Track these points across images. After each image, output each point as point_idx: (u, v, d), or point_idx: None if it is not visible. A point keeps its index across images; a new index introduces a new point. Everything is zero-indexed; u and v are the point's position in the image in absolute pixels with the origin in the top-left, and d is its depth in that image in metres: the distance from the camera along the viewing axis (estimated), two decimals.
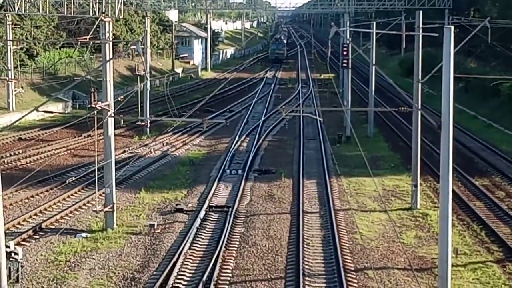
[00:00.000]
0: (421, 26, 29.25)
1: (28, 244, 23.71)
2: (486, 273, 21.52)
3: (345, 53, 45.37)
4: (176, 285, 20.23)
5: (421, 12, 29.60)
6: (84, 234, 24.91)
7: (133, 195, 30.71)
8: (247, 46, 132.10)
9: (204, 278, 20.38)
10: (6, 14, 51.03)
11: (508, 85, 50.74)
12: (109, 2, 50.99)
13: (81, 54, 67.35)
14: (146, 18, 55.12)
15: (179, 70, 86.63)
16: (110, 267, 21.74)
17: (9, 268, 19.57)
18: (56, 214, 26.93)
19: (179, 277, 20.79)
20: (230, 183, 32.93)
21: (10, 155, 37.63)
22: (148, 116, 45.78)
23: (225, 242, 23.78)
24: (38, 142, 41.56)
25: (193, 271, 21.41)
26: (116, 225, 25.74)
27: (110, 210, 25.52)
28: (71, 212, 27.64)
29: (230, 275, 21.14)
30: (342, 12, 76.30)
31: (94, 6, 50.23)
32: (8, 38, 51.77)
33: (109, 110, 25.02)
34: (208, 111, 55.74)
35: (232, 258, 22.55)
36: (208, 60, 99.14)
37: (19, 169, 35.30)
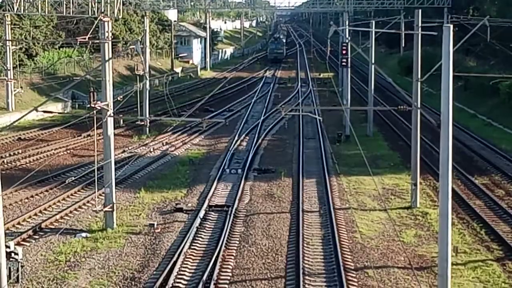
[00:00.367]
0: (420, 24, 29.26)
1: (28, 244, 23.71)
2: (486, 271, 21.53)
3: (344, 52, 45.33)
4: (176, 284, 20.23)
5: (420, 10, 29.60)
6: (84, 234, 24.92)
7: (133, 194, 30.71)
8: (246, 45, 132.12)
9: (204, 277, 20.38)
10: (5, 14, 51.01)
11: (507, 84, 50.74)
12: (108, 2, 51.01)
13: (80, 54, 67.34)
14: (145, 17, 55.09)
15: (178, 69, 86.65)
16: (110, 267, 21.74)
17: (9, 268, 19.59)
18: (56, 214, 26.94)
19: (179, 276, 20.79)
20: (229, 183, 32.93)
21: (10, 155, 37.63)
22: (147, 115, 45.78)
23: (225, 241, 23.78)
24: (37, 142, 41.56)
25: (193, 271, 21.42)
26: (116, 224, 25.75)
27: (110, 209, 25.52)
28: (71, 212, 27.64)
29: (230, 274, 21.14)
30: (341, 11, 76.37)
31: (93, 6, 50.24)
32: (7, 38, 51.77)
33: (108, 110, 25.02)
34: (207, 110, 55.77)
35: (232, 257, 22.56)
36: (207, 59, 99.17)
37: (18, 169, 35.30)
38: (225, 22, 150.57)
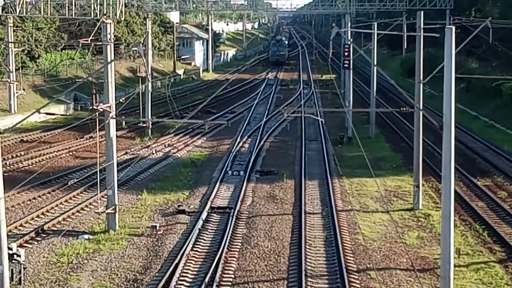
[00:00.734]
0: (422, 26, 29.26)
1: (30, 246, 23.72)
2: (488, 273, 21.50)
3: (346, 53, 45.36)
4: (178, 286, 20.23)
5: (422, 12, 29.61)
6: (86, 236, 24.92)
7: (135, 196, 30.73)
8: (249, 47, 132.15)
9: (207, 279, 20.38)
10: (8, 16, 51.08)
11: (510, 85, 50.70)
12: (110, 4, 51.07)
13: (82, 56, 67.41)
14: (147, 19, 55.13)
15: (180, 71, 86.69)
16: (113, 269, 21.75)
17: (12, 270, 19.59)
18: (58, 216, 26.95)
19: (181, 278, 20.79)
20: (232, 184, 32.94)
21: (12, 157, 37.65)
22: (149, 117, 45.81)
23: (227, 243, 23.78)
24: (40, 144, 41.59)
25: (195, 273, 21.42)
26: (118, 226, 25.75)
27: (112, 211, 25.53)
28: (73, 213, 27.65)
29: (232, 276, 21.14)
30: (343, 13, 76.34)
31: (96, 8, 50.32)
32: (10, 40, 51.81)
33: (110, 112, 25.04)
34: (209, 112, 55.77)
35: (234, 259, 22.55)
36: (210, 61, 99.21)
37: (21, 171, 35.32)
38: (227, 24, 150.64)
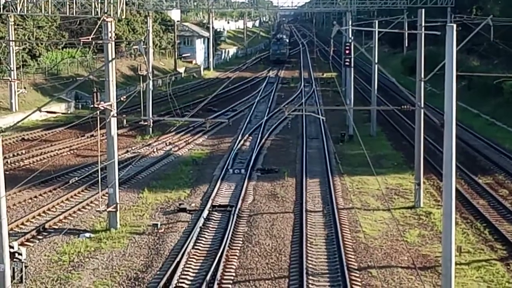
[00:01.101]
0: (423, 24, 29.24)
1: (31, 244, 23.74)
2: (490, 271, 21.50)
3: (347, 51, 45.32)
4: (180, 284, 20.24)
5: (423, 10, 29.59)
6: (87, 234, 24.94)
7: (136, 195, 30.74)
8: (250, 45, 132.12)
9: (208, 277, 20.39)
10: (9, 15, 51.07)
11: (511, 83, 50.65)
12: (111, 2, 51.06)
13: (83, 54, 67.42)
14: (148, 18, 55.16)
15: (181, 69, 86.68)
16: (114, 267, 21.76)
17: (13, 268, 19.59)
18: (59, 214, 26.96)
19: (183, 276, 20.80)
20: (233, 183, 32.94)
21: (14, 155, 37.67)
22: (150, 115, 45.81)
23: (228, 241, 23.79)
24: (41, 143, 41.61)
25: (196, 271, 21.43)
26: (119, 225, 25.77)
27: (113, 210, 25.54)
28: (74, 212, 27.66)
29: (234, 274, 21.15)
30: (344, 10, 76.35)
31: (96, 6, 50.30)
32: (11, 39, 51.82)
33: (111, 110, 25.04)
34: (210, 110, 55.78)
35: (236, 257, 22.56)
36: (211, 59, 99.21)
37: (22, 169, 35.33)
38: (228, 22, 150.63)
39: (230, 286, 20.29)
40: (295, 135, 46.94)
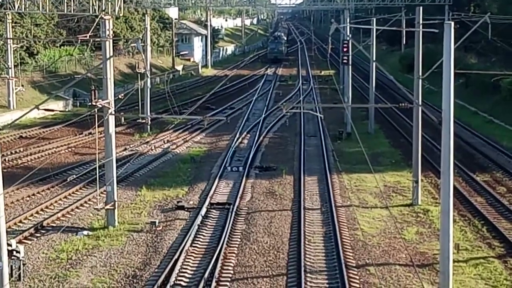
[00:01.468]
0: (421, 22, 29.22)
1: (29, 242, 23.73)
2: (487, 268, 21.53)
3: (345, 49, 45.31)
4: (178, 282, 20.25)
5: (421, 8, 29.58)
6: (85, 232, 24.93)
7: (134, 192, 30.73)
8: (247, 43, 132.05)
9: (206, 275, 20.39)
10: (6, 12, 51.02)
11: (509, 81, 50.69)
12: (109, 0, 51.00)
13: (81, 52, 67.35)
14: (146, 15, 55.14)
15: (179, 67, 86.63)
16: (112, 265, 21.76)
17: (11, 266, 19.61)
18: (57, 212, 26.95)
19: (181, 274, 20.81)
20: (231, 180, 32.93)
21: (11, 153, 37.65)
22: (148, 113, 45.79)
23: (226, 239, 23.80)
24: (39, 140, 41.58)
25: (194, 268, 21.43)
26: (117, 222, 25.77)
27: (112, 207, 25.54)
28: (72, 210, 27.66)
29: (232, 272, 21.16)
30: (342, 8, 76.34)
31: (94, 4, 50.27)
32: (8, 37, 51.78)
33: (109, 108, 25.03)
34: (208, 108, 55.76)
35: (234, 255, 22.57)
36: (209, 57, 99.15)
37: (20, 167, 35.31)
38: (226, 20, 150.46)
39: (228, 283, 20.30)
40: (293, 133, 46.95)
